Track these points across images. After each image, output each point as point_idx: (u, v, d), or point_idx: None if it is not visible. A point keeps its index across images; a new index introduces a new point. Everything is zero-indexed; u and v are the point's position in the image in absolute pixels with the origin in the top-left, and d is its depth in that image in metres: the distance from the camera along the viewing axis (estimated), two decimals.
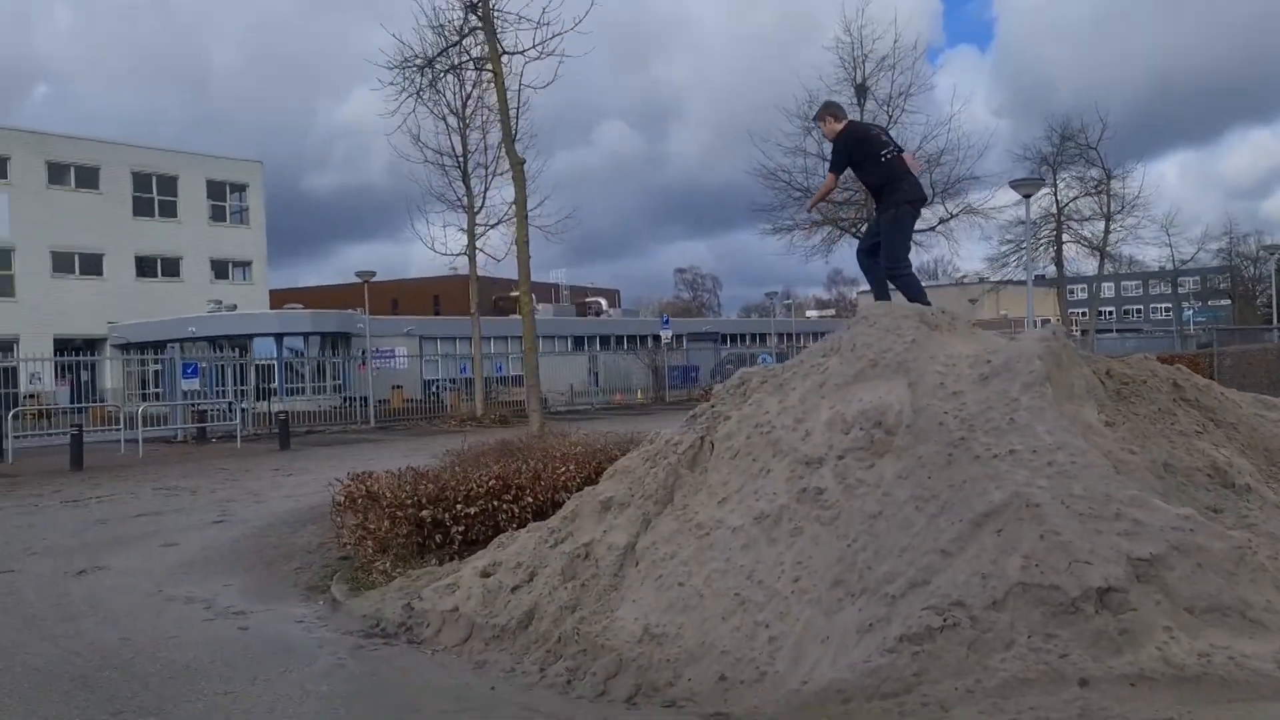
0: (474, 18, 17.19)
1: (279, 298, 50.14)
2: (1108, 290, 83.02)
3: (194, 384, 26.71)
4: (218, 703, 5.04)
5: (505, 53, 16.69)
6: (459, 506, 7.72)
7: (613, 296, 72.14)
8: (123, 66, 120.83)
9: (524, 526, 7.59)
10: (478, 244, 26.94)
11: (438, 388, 36.73)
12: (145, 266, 45.20)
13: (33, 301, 40.32)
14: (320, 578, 7.97)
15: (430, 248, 29.45)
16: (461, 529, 7.71)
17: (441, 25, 18.12)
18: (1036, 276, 48.35)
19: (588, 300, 61.57)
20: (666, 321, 45.88)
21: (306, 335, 38.70)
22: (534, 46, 16.30)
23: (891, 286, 7.87)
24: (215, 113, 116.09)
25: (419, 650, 5.93)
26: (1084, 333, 49.65)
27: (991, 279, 49.12)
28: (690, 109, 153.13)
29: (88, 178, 43.34)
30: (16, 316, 39.52)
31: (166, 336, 36.35)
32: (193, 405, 25.72)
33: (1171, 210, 79.20)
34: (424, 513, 7.66)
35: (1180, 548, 4.58)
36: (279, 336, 37.36)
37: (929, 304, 7.07)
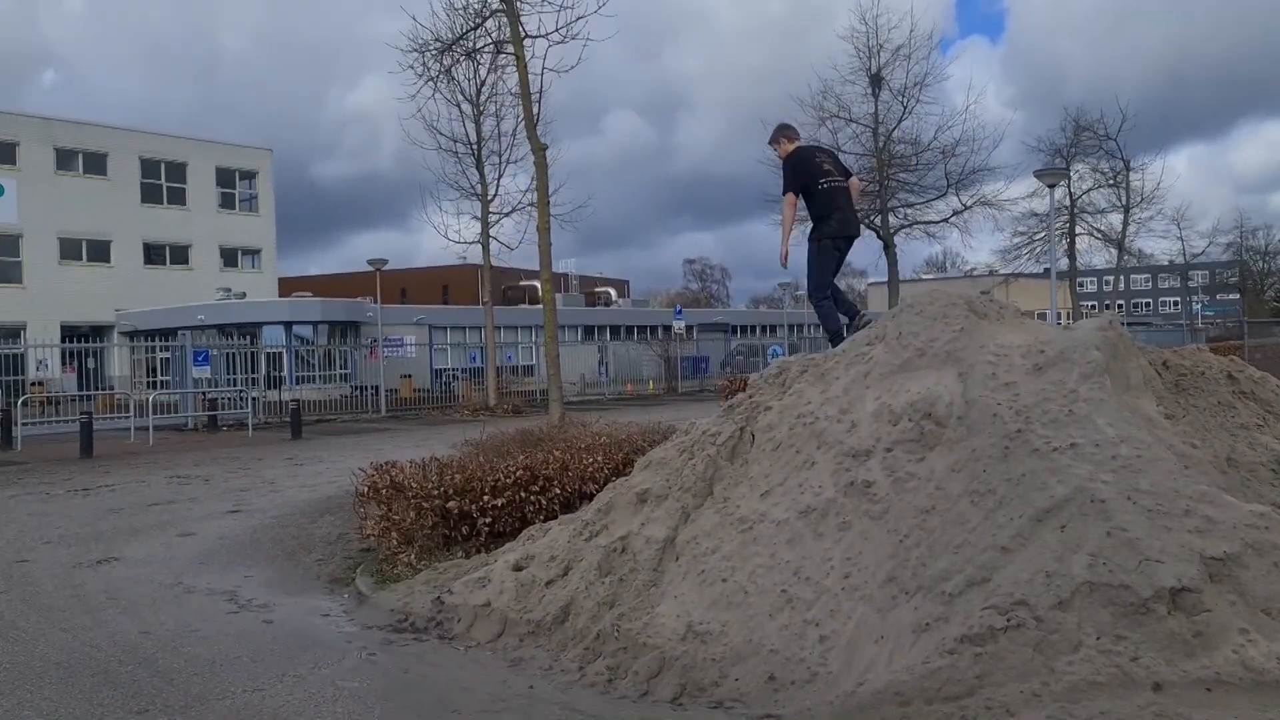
0: (495, 0, 16.94)
1: (287, 286, 49.96)
2: (1114, 284, 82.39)
3: (205, 371, 26.58)
4: (248, 700, 4.86)
5: (528, 36, 16.45)
6: (486, 498, 7.53)
7: (622, 287, 71.90)
8: (131, 53, 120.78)
9: (552, 518, 7.42)
10: (491, 232, 26.68)
11: (448, 377, 36.54)
12: (153, 254, 45.01)
13: (40, 288, 40.15)
14: (343, 570, 7.80)
15: (444, 235, 29.15)
16: (489, 521, 7.53)
17: (460, 8, 17.83)
18: (1045, 270, 48.08)
19: (597, 290, 61.27)
20: (680, 312, 45.61)
21: (316, 324, 38.50)
22: (557, 30, 16.11)
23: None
24: (224, 99, 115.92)
25: (451, 646, 5.75)
26: None
27: (1002, 271, 48.87)
28: (701, 99, 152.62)
29: (96, 164, 43.11)
30: (24, 303, 39.35)
31: (175, 324, 36.22)
32: (204, 393, 25.56)
33: (1183, 204, 78.51)
34: (450, 504, 7.48)
35: (1255, 546, 4.38)
36: (288, 325, 37.16)
37: (843, 337, 7.18)
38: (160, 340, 35.10)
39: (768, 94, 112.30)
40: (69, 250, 42.21)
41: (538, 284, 53.59)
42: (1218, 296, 78.76)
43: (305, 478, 14.05)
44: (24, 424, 20.99)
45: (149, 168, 44.71)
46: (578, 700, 4.81)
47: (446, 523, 7.55)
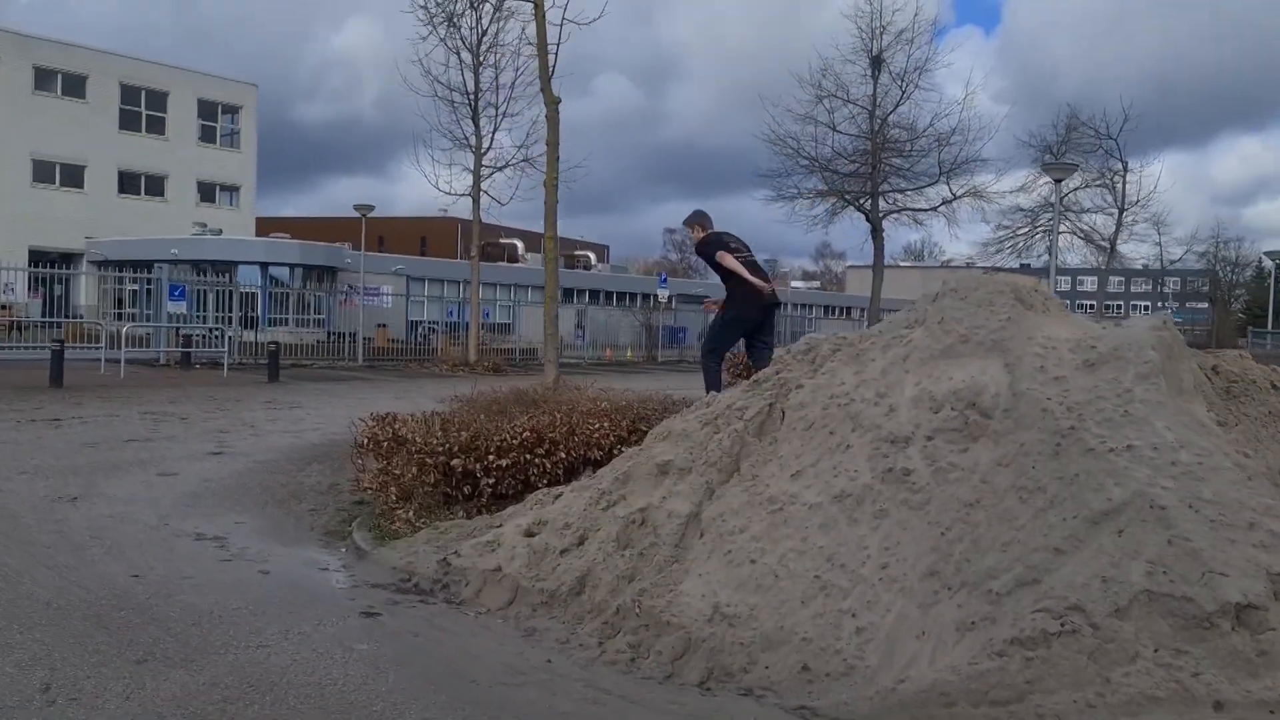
0: None
1: (264, 226, 49.08)
2: (1090, 284, 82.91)
3: (180, 307, 25.98)
4: (251, 657, 4.60)
5: None
6: (491, 457, 7.27)
7: (601, 251, 71.38)
8: None
9: (555, 483, 7.19)
10: (483, 186, 26.20)
11: (424, 329, 36.07)
12: (128, 182, 44.00)
13: (10, 210, 39.11)
14: (338, 522, 7.52)
15: (435, 185, 28.57)
16: (492, 481, 7.27)
17: None
18: (1022, 266, 48.16)
19: (576, 253, 60.75)
20: (665, 280, 45.23)
21: (293, 266, 37.86)
22: None
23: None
24: (204, 30, 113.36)
25: (460, 611, 5.51)
26: None
27: (980, 264, 48.87)
28: (694, 68, 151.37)
29: (75, 86, 41.98)
30: None
31: (147, 256, 35.33)
32: (178, 329, 24.98)
33: (1164, 209, 78.93)
34: (454, 461, 7.21)
35: None
36: (264, 265, 36.48)
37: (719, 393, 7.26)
38: (132, 271, 34.33)
39: (762, 67, 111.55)
40: (42, 173, 41.19)
41: (517, 242, 53.22)
42: (1187, 304, 79.43)
43: (286, 423, 13.70)
44: None
45: (129, 94, 43.63)
46: (600, 678, 4.59)
47: (449, 481, 7.29)
